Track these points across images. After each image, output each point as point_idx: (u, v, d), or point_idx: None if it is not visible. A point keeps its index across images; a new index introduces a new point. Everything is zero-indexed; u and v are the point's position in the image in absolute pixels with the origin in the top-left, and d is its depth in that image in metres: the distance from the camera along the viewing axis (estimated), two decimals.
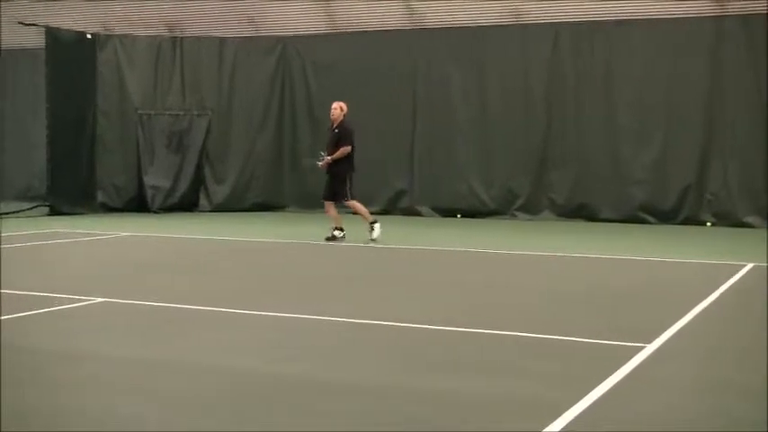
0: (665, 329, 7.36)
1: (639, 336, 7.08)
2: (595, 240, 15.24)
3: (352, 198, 14.28)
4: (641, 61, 18.06)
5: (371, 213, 19.79)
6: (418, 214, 19.64)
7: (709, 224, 17.56)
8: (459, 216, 19.27)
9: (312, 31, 20.60)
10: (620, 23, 18.20)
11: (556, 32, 18.66)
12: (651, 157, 18.08)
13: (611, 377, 5.82)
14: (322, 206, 20.64)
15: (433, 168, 19.66)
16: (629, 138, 18.22)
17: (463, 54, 19.32)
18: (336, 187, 14.23)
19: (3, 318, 7.81)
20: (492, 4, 18.94)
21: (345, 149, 14.04)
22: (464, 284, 10.33)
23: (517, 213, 18.99)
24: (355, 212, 14.50)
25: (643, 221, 17.97)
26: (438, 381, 5.85)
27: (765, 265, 11.56)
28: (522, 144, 18.94)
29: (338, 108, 14.33)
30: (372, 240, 14.00)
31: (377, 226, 14.20)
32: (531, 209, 18.94)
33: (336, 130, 14.19)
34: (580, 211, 18.57)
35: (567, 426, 4.84)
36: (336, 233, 14.30)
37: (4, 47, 23.25)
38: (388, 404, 5.31)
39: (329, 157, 14.07)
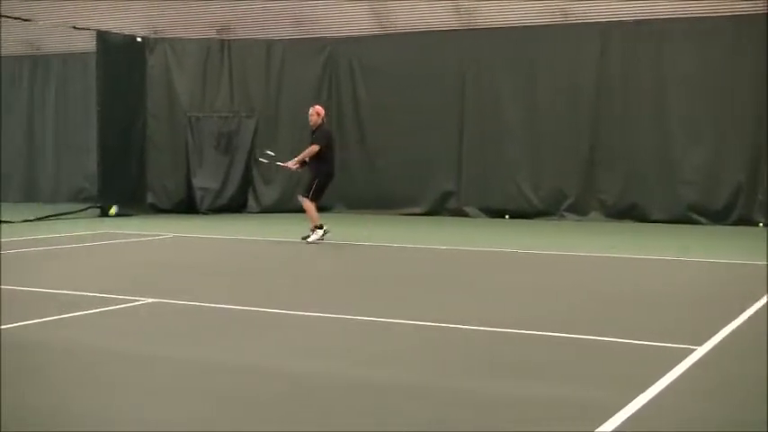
0: (716, 332, 7.26)
1: (691, 338, 6.99)
2: (645, 241, 15.09)
3: (312, 200, 14.32)
4: (691, 60, 17.84)
5: (418, 214, 20.01)
6: (466, 215, 19.58)
7: (761, 225, 17.30)
8: (507, 217, 19.18)
9: (359, 33, 20.62)
10: (669, 21, 18.00)
11: (604, 31, 18.50)
12: (702, 156, 17.86)
13: (662, 379, 5.75)
14: (368, 207, 20.99)
15: (482, 169, 19.59)
16: (679, 137, 18.02)
17: (511, 54, 19.23)
18: (305, 185, 14.69)
19: (54, 318, 7.92)
20: (540, 3, 18.83)
21: (312, 149, 14.35)
22: (513, 286, 10.28)
23: (566, 214, 18.86)
24: (305, 211, 14.51)
25: (694, 222, 17.76)
26: (492, 382, 5.83)
27: None
28: (571, 144, 18.80)
29: (314, 114, 14.63)
30: (304, 239, 14.23)
31: (320, 232, 14.24)
32: (579, 209, 18.80)
33: (314, 134, 14.56)
34: (629, 212, 18.39)
35: (617, 427, 4.80)
36: (319, 231, 14.41)
37: (56, 51, 23.58)
38: (441, 406, 5.30)
39: (296, 159, 14.59)
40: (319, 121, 14.56)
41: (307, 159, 14.53)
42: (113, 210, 19.26)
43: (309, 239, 14.16)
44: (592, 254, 13.04)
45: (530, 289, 10.03)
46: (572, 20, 18.77)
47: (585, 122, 18.72)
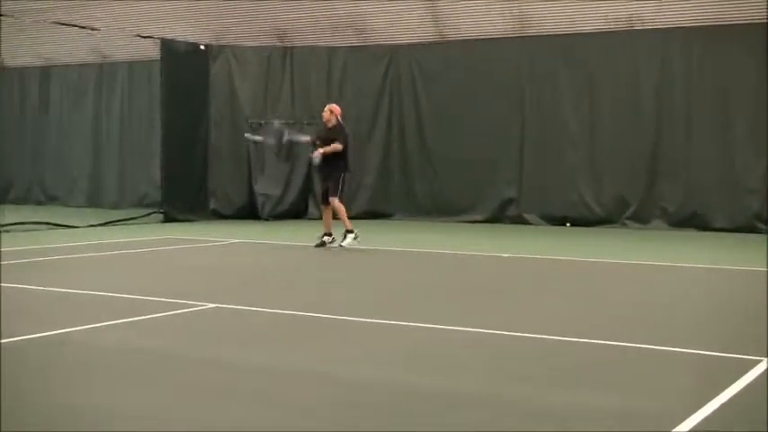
0: None
1: (757, 349, 6.88)
2: (708, 250, 14.88)
3: (341, 201, 14.59)
4: (755, 67, 17.56)
5: (479, 222, 19.96)
6: (526, 223, 19.49)
7: None
8: (568, 224, 19.05)
9: (420, 40, 20.65)
10: (733, 28, 17.75)
11: (666, 38, 18.30)
12: (766, 164, 17.56)
13: (727, 390, 5.67)
14: (428, 215, 20.97)
15: (542, 176, 19.49)
16: (742, 145, 17.73)
17: (572, 61, 19.11)
18: (331, 186, 14.57)
19: (116, 321, 8.04)
20: (601, 9, 18.68)
21: (336, 146, 14.31)
22: (574, 295, 10.21)
23: (628, 222, 18.68)
24: (335, 217, 14.64)
25: (757, 231, 17.46)
26: (550, 391, 5.80)
27: None
28: (633, 151, 18.62)
29: (328, 111, 14.72)
30: (341, 246, 14.34)
31: (350, 236, 14.41)
32: (641, 217, 18.60)
33: (330, 128, 14.64)
34: (692, 220, 18.14)
35: None
36: (326, 239, 14.68)
37: (122, 58, 23.96)
38: (499, 415, 5.28)
39: (320, 150, 14.41)
40: (333, 119, 14.62)
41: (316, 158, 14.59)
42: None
43: (345, 244, 14.34)
44: (655, 263, 12.89)
45: (590, 297, 9.95)
46: (634, 26, 18.59)
47: (647, 129, 18.52)
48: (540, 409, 5.37)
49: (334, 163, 14.43)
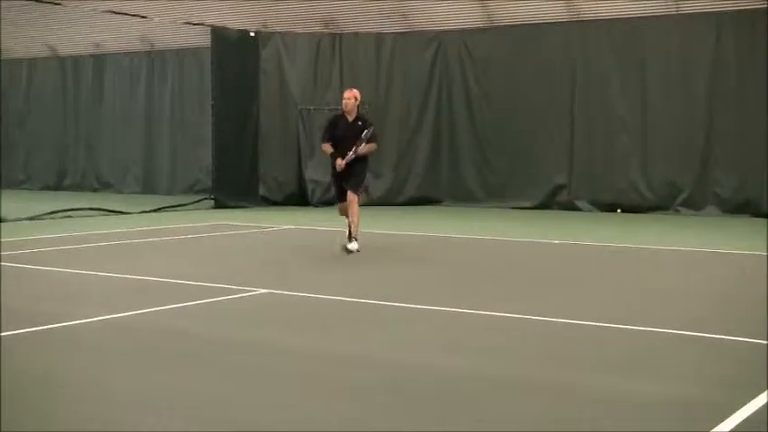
0: None
1: None
2: (762, 237, 14.66)
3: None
4: None
5: (528, 208, 19.84)
6: (576, 209, 19.36)
7: None
8: (619, 211, 18.89)
9: (468, 26, 20.55)
10: None
11: (718, 22, 18.04)
12: None
13: None
14: (478, 201, 20.87)
15: (592, 162, 19.34)
16: None
17: (622, 46, 18.92)
18: (353, 181, 12.14)
19: (170, 306, 8.13)
20: None
21: (373, 147, 12.30)
22: (629, 282, 10.13)
23: (680, 208, 18.48)
24: (350, 215, 12.11)
25: None
26: (606, 380, 5.77)
27: None
28: (685, 137, 18.41)
29: (352, 98, 12.15)
30: (347, 249, 11.98)
31: (356, 244, 12.05)
32: (694, 204, 18.39)
33: (360, 123, 12.14)
34: (746, 207, 17.89)
35: (734, 428, 4.70)
36: (352, 246, 12.07)
37: (172, 46, 24.14)
38: (557, 404, 5.26)
39: (351, 154, 11.96)
40: (355, 107, 12.19)
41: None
42: None
43: (350, 246, 12.04)
44: (708, 249, 12.75)
45: (646, 285, 9.87)
46: (684, 10, 18.34)
47: (699, 114, 18.30)
48: (591, 396, 5.35)
49: (362, 161, 12.25)
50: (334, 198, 12.89)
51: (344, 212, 12.23)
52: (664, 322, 7.51)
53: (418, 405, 5.19)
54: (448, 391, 5.48)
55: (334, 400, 5.28)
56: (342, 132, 12.12)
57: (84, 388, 5.56)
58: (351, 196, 12.00)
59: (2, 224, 16.01)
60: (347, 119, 12.14)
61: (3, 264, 10.78)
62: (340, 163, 11.93)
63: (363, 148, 12.02)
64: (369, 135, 12.06)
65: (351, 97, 12.12)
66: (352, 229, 12.01)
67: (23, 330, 7.05)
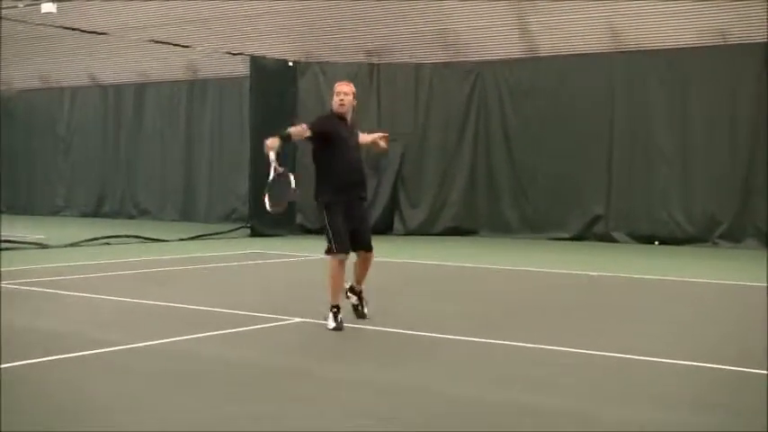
0: None
1: None
2: None
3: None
4: None
5: (565, 239, 19.69)
6: (614, 240, 19.22)
7: None
8: (656, 243, 18.73)
9: (508, 56, 20.56)
10: None
11: (763, 52, 17.89)
12: None
13: None
14: (515, 232, 20.75)
15: (631, 194, 19.20)
16: None
17: (665, 76, 18.80)
18: (366, 226, 9.18)
19: (204, 334, 8.15)
20: (695, 23, 18.35)
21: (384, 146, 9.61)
22: (663, 315, 10.03)
23: (719, 241, 18.28)
24: (361, 273, 9.14)
25: None
26: (656, 414, 5.70)
27: None
28: (725, 169, 18.23)
29: (351, 93, 8.94)
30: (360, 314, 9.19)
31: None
32: (734, 236, 18.18)
33: (357, 131, 9.25)
34: None
35: None
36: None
37: (212, 75, 24.38)
38: None
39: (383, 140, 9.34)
40: (352, 108, 8.98)
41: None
42: None
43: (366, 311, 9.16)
44: (747, 283, 12.59)
45: (679, 318, 9.77)
46: (730, 41, 18.21)
47: (741, 146, 18.11)
48: (627, 427, 5.30)
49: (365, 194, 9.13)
50: (336, 242, 8.75)
51: (341, 266, 8.68)
52: (695, 355, 7.41)
53: None
54: (499, 423, 5.43)
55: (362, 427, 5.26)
56: (345, 135, 8.87)
57: (122, 414, 5.57)
58: (370, 254, 9.04)
59: (42, 250, 16.19)
60: (345, 122, 8.91)
61: (44, 290, 10.91)
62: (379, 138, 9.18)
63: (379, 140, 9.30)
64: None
65: (350, 92, 8.90)
66: (355, 291, 9.13)
67: (58, 357, 7.09)
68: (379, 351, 7.66)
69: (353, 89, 8.90)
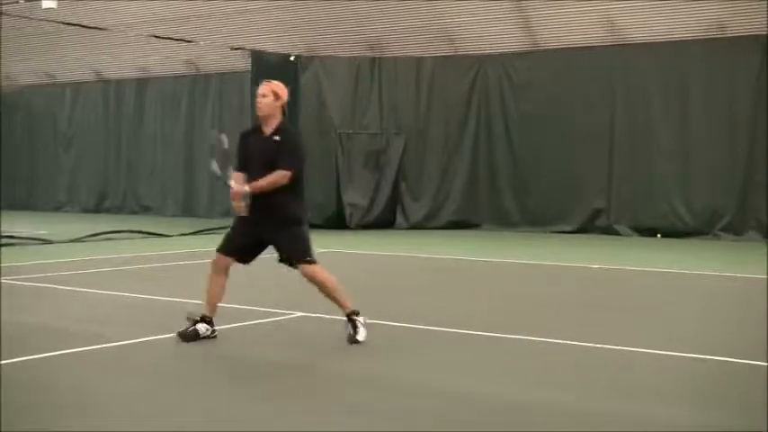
0: None
1: None
2: None
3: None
4: None
5: (567, 232, 19.72)
6: (616, 233, 19.21)
7: None
8: (659, 236, 18.72)
9: (510, 49, 20.54)
10: None
11: (763, 45, 17.86)
12: None
13: None
14: (517, 225, 20.80)
15: (632, 187, 19.20)
16: None
17: (665, 69, 18.79)
18: (300, 238, 7.90)
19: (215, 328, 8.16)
20: (695, 16, 18.34)
21: (284, 175, 7.41)
22: (667, 307, 10.03)
23: (721, 233, 18.27)
24: (319, 284, 7.79)
25: None
26: (651, 407, 5.70)
27: None
28: (726, 161, 18.22)
29: (271, 95, 7.60)
30: (356, 341, 7.52)
31: (362, 321, 7.62)
32: (735, 229, 18.18)
33: (277, 138, 7.53)
34: None
35: None
36: (201, 327, 7.61)
37: (214, 70, 24.37)
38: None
39: (247, 186, 7.51)
40: (278, 111, 7.64)
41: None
42: None
43: (360, 337, 7.54)
44: (749, 275, 12.59)
45: (684, 310, 9.77)
46: (729, 33, 18.19)
47: (741, 139, 18.12)
48: (628, 422, 5.29)
49: (284, 202, 7.58)
50: (225, 248, 8.13)
51: (221, 274, 8.03)
52: (700, 348, 7.41)
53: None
54: (491, 420, 5.44)
55: (367, 425, 5.26)
56: (251, 151, 7.60)
57: (120, 410, 5.58)
58: (306, 270, 7.75)
59: (45, 245, 16.22)
60: (261, 131, 7.62)
61: (46, 285, 10.93)
62: (239, 207, 7.62)
63: (263, 181, 7.41)
64: (282, 155, 7.44)
65: (268, 92, 7.60)
66: (343, 307, 7.69)
67: (59, 352, 7.10)
68: (381, 346, 7.65)
69: (275, 88, 7.61)
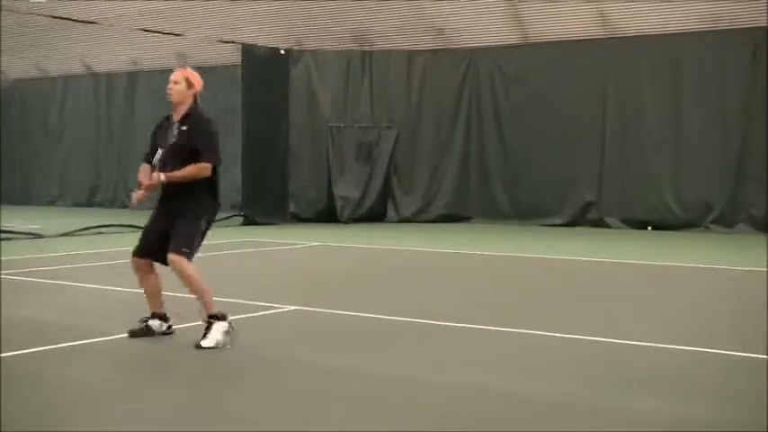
0: None
1: None
2: None
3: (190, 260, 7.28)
4: None
5: (558, 225, 19.77)
6: (606, 226, 19.25)
7: None
8: (649, 228, 18.76)
9: (501, 42, 20.54)
10: None
11: (754, 38, 17.90)
12: None
13: None
14: (507, 218, 20.83)
15: (623, 179, 19.23)
16: None
17: (657, 62, 18.81)
18: (187, 230, 7.32)
19: (198, 323, 8.15)
20: (687, 9, 18.35)
21: (206, 167, 7.26)
22: (657, 299, 10.05)
23: (711, 226, 18.33)
24: (186, 279, 7.22)
25: None
26: (636, 399, 5.72)
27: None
28: (718, 154, 18.26)
29: (183, 80, 7.39)
30: (200, 347, 7.00)
31: (220, 327, 7.11)
32: (726, 221, 18.23)
33: (185, 128, 7.33)
34: None
35: None
36: (154, 323, 7.47)
37: (204, 63, 24.31)
38: (589, 423, 5.23)
39: (163, 175, 7.27)
40: (190, 98, 7.43)
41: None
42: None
43: (206, 343, 7.02)
44: (739, 268, 12.63)
45: (676, 303, 9.80)
46: (721, 26, 18.21)
47: (733, 132, 18.15)
48: (620, 415, 5.31)
49: (189, 193, 7.31)
50: (137, 250, 7.52)
51: (147, 273, 7.49)
52: (692, 340, 7.44)
53: (447, 424, 5.17)
54: (499, 412, 5.45)
55: (359, 417, 5.27)
56: (159, 140, 7.47)
57: (111, 404, 5.58)
58: (173, 258, 7.16)
59: (36, 240, 16.18)
60: (170, 120, 7.44)
61: (38, 280, 10.91)
62: (138, 195, 7.46)
63: (178, 173, 7.20)
64: (199, 145, 7.22)
65: (180, 79, 7.35)
66: (206, 308, 7.22)
67: (51, 347, 7.09)
68: (372, 339, 7.66)
69: (189, 75, 7.35)
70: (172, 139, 7.28)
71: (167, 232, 7.26)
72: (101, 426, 5.09)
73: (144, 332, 7.36)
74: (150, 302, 7.46)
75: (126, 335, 7.41)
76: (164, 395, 5.78)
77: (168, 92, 7.30)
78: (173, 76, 7.28)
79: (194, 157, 7.18)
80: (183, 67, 7.39)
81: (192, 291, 7.23)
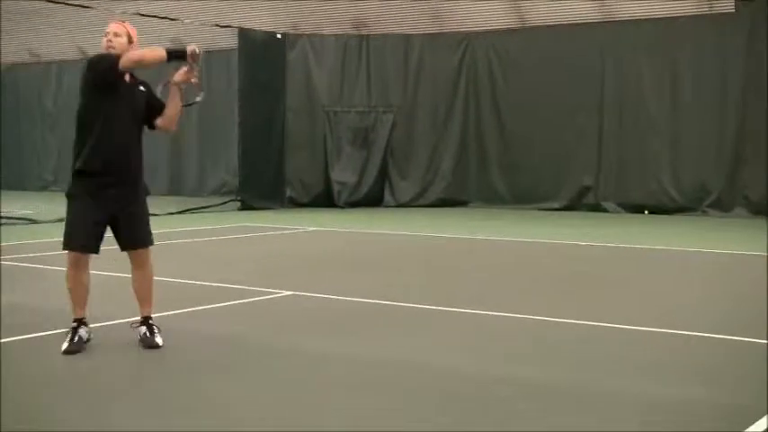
0: None
1: None
2: None
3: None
4: None
5: (556, 210, 19.75)
6: (604, 210, 19.24)
7: None
8: (646, 212, 18.75)
9: (498, 26, 20.47)
10: None
11: (752, 22, 17.84)
12: None
13: None
14: (505, 202, 20.83)
15: (621, 164, 19.21)
16: None
17: (654, 46, 18.76)
18: (143, 224, 7.25)
19: (192, 309, 8.13)
20: None
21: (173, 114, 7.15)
22: (654, 284, 10.04)
23: (708, 210, 18.32)
24: (149, 277, 6.99)
25: None
26: (633, 383, 5.70)
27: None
28: (716, 139, 18.24)
29: (125, 34, 6.52)
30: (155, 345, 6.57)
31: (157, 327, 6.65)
32: (723, 206, 18.22)
33: (143, 89, 6.80)
34: None
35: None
36: (83, 332, 6.50)
37: (202, 48, 24.22)
38: (584, 407, 5.22)
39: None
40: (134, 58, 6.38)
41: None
42: None
43: (159, 340, 6.59)
44: (736, 252, 12.62)
45: (670, 287, 9.78)
46: (718, 9, 18.16)
47: (730, 116, 18.12)
48: (616, 399, 5.29)
49: (140, 176, 7.24)
50: (76, 241, 6.77)
51: (85, 271, 6.77)
52: (690, 325, 7.42)
53: (443, 409, 5.15)
54: (494, 397, 5.43)
55: (357, 402, 5.25)
56: (123, 93, 6.60)
57: (112, 389, 5.56)
58: (147, 257, 7.05)
59: (31, 225, 16.15)
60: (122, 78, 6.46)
61: (33, 266, 10.88)
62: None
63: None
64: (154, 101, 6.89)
65: (122, 32, 6.51)
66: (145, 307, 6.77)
67: (45, 333, 7.06)
68: (371, 324, 7.64)
69: (129, 29, 6.53)
70: (134, 99, 6.68)
71: (111, 222, 6.74)
72: (94, 413, 5.06)
73: (79, 347, 6.37)
74: (81, 305, 6.55)
75: (125, 320, 7.37)
76: (163, 381, 5.75)
77: (109, 44, 6.42)
78: (113, 28, 6.45)
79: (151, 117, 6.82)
80: (122, 21, 6.65)
81: (149, 287, 6.82)
